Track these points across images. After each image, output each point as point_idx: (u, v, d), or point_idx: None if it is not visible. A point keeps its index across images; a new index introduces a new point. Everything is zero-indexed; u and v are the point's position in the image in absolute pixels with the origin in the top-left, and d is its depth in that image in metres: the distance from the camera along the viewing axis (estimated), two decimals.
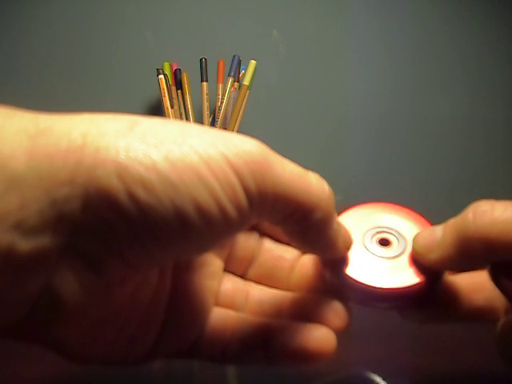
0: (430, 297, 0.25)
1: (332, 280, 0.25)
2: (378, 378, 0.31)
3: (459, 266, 0.24)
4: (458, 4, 0.89)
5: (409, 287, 0.24)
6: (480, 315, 0.26)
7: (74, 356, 0.22)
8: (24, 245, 0.17)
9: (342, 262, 0.25)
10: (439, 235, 0.24)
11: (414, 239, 0.25)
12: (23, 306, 0.18)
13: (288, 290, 0.26)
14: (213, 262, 0.26)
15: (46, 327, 0.20)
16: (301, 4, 0.87)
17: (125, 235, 0.18)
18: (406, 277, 0.24)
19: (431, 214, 0.26)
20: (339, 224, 0.24)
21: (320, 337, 0.23)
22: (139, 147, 0.18)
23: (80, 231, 0.18)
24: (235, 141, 0.20)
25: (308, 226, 0.22)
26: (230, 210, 0.19)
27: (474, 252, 0.22)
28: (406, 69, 0.89)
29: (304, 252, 0.26)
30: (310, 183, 0.22)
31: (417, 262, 0.25)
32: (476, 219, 0.22)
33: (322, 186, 0.22)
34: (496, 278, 0.24)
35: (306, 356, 0.23)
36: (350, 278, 0.24)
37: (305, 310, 0.25)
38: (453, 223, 0.23)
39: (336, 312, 0.24)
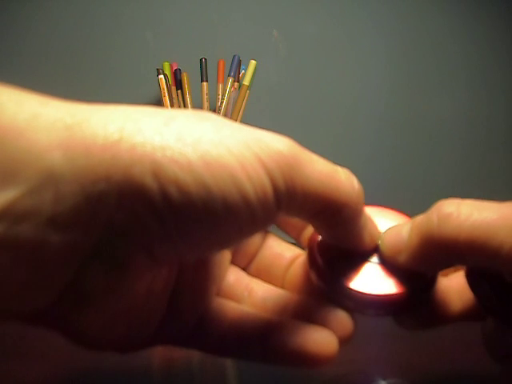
0: (422, 302, 0.24)
1: (319, 284, 0.25)
2: (377, 378, 0.31)
3: (427, 268, 0.23)
4: (458, 4, 0.89)
5: (395, 295, 0.23)
6: (472, 314, 0.25)
7: (90, 344, 0.22)
8: (56, 239, 0.17)
9: (330, 265, 0.24)
10: (405, 236, 0.23)
11: (382, 238, 0.24)
12: (49, 296, 0.19)
13: (282, 288, 0.26)
14: (221, 252, 0.26)
15: (69, 317, 0.20)
16: (301, 4, 0.87)
17: (156, 233, 0.18)
18: (395, 283, 0.23)
19: None
20: (367, 218, 0.23)
21: (321, 339, 0.23)
22: (175, 145, 0.18)
23: (112, 228, 0.18)
24: (267, 139, 0.20)
25: (336, 222, 0.22)
26: (259, 210, 0.19)
27: (440, 257, 0.22)
28: (406, 70, 0.89)
29: (331, 242, 0.25)
30: (340, 180, 0.21)
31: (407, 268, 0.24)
32: (440, 223, 0.21)
33: (352, 182, 0.22)
34: (470, 278, 0.23)
35: (304, 357, 0.22)
36: (337, 283, 0.24)
37: (309, 314, 0.24)
38: (418, 225, 0.23)
39: (341, 320, 0.24)
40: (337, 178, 0.21)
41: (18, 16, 0.82)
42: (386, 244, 0.24)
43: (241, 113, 0.75)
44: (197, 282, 0.24)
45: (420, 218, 0.23)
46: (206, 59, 0.77)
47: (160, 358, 0.32)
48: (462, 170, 0.88)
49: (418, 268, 0.23)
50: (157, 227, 0.18)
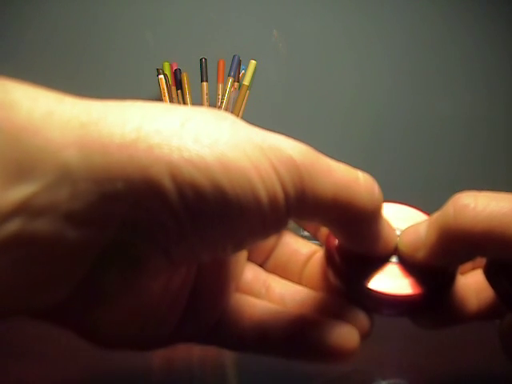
0: (440, 301, 0.24)
1: (336, 282, 0.25)
2: (377, 378, 0.31)
3: (446, 263, 0.23)
4: (458, 4, 0.89)
5: (413, 295, 0.23)
6: (489, 313, 0.25)
7: (104, 342, 0.22)
8: (72, 235, 0.17)
9: (348, 264, 0.24)
10: (423, 233, 0.23)
11: (400, 237, 0.24)
12: (63, 292, 0.19)
13: (299, 284, 0.26)
14: (237, 252, 0.26)
15: (83, 314, 0.20)
16: (301, 4, 0.87)
17: (173, 234, 0.18)
18: (412, 283, 0.23)
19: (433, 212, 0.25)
20: (383, 225, 0.23)
21: (343, 334, 0.23)
22: (192, 147, 0.18)
23: (129, 227, 0.18)
24: (282, 146, 0.20)
25: (351, 230, 0.22)
26: (270, 215, 0.19)
27: (458, 249, 0.22)
28: (406, 69, 0.89)
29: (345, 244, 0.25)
30: (357, 190, 0.21)
31: (425, 267, 0.23)
32: (457, 215, 0.21)
33: (371, 190, 0.22)
34: (490, 275, 0.23)
35: (327, 352, 0.23)
36: (354, 282, 0.24)
37: (326, 310, 0.24)
38: (435, 219, 0.22)
39: (358, 318, 0.24)
40: (354, 187, 0.21)
41: (17, 16, 0.82)
42: (404, 243, 0.24)
43: (241, 113, 0.75)
44: (215, 280, 0.24)
45: (437, 213, 0.23)
46: (205, 59, 0.77)
47: (160, 357, 0.32)
48: (464, 168, 0.88)
49: (436, 264, 0.23)
50: (174, 228, 0.18)
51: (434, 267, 0.23)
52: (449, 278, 0.24)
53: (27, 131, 0.17)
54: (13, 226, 0.17)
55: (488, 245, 0.21)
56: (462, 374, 0.32)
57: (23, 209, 0.17)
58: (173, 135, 0.18)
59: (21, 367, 0.30)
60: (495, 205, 0.21)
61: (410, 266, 0.24)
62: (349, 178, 0.21)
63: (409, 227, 0.24)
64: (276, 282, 0.26)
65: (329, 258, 0.25)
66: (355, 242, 0.23)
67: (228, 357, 0.32)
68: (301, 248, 0.27)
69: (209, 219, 0.19)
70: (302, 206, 0.20)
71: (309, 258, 0.27)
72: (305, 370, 0.30)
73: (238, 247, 0.21)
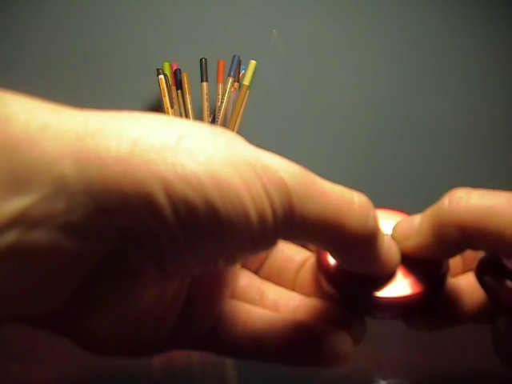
0: (433, 303, 0.24)
1: (328, 287, 0.25)
2: (377, 378, 0.31)
3: (436, 253, 0.24)
4: (458, 4, 0.89)
5: (407, 297, 0.23)
6: (482, 316, 0.25)
7: (98, 349, 0.22)
8: (68, 246, 0.17)
9: (339, 268, 0.24)
10: (417, 223, 0.24)
11: (394, 228, 0.24)
12: (59, 300, 0.19)
13: (293, 290, 0.27)
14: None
15: (77, 321, 0.20)
16: (301, 4, 0.87)
17: (167, 247, 0.19)
18: (405, 286, 0.24)
19: None
20: (381, 246, 0.23)
21: (336, 340, 0.23)
22: (187, 164, 0.18)
23: (124, 239, 0.18)
24: (275, 167, 0.20)
25: (344, 252, 0.22)
26: (259, 234, 0.20)
27: (449, 239, 0.22)
28: (406, 69, 0.89)
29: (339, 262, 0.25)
30: (350, 212, 0.21)
31: (417, 269, 0.24)
32: (451, 206, 0.22)
33: (365, 214, 0.21)
34: (480, 276, 0.24)
35: (319, 358, 0.23)
36: (346, 286, 0.24)
37: (320, 316, 0.24)
38: (430, 211, 0.23)
39: (351, 322, 0.24)
40: (345, 211, 0.21)
41: (17, 16, 0.82)
42: (396, 231, 0.24)
43: (241, 113, 0.75)
44: (210, 287, 0.25)
45: (432, 206, 0.23)
46: (205, 59, 0.77)
47: (160, 358, 0.32)
48: (463, 168, 0.88)
49: (426, 254, 0.24)
50: (168, 242, 0.19)
51: (425, 265, 0.24)
52: (440, 278, 0.24)
53: (24, 143, 0.17)
54: (10, 237, 0.17)
55: (475, 236, 0.22)
56: (461, 374, 0.32)
57: (20, 220, 0.17)
58: (168, 151, 0.18)
59: (21, 367, 0.30)
60: (487, 199, 0.22)
61: (401, 268, 0.24)
62: (342, 201, 0.21)
63: (403, 219, 0.25)
64: (270, 288, 0.27)
65: (320, 262, 0.25)
66: (350, 265, 0.23)
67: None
68: (294, 255, 0.27)
69: (201, 234, 0.19)
70: (291, 227, 0.20)
71: (302, 264, 0.27)
72: (305, 369, 0.30)
73: (230, 261, 0.22)
